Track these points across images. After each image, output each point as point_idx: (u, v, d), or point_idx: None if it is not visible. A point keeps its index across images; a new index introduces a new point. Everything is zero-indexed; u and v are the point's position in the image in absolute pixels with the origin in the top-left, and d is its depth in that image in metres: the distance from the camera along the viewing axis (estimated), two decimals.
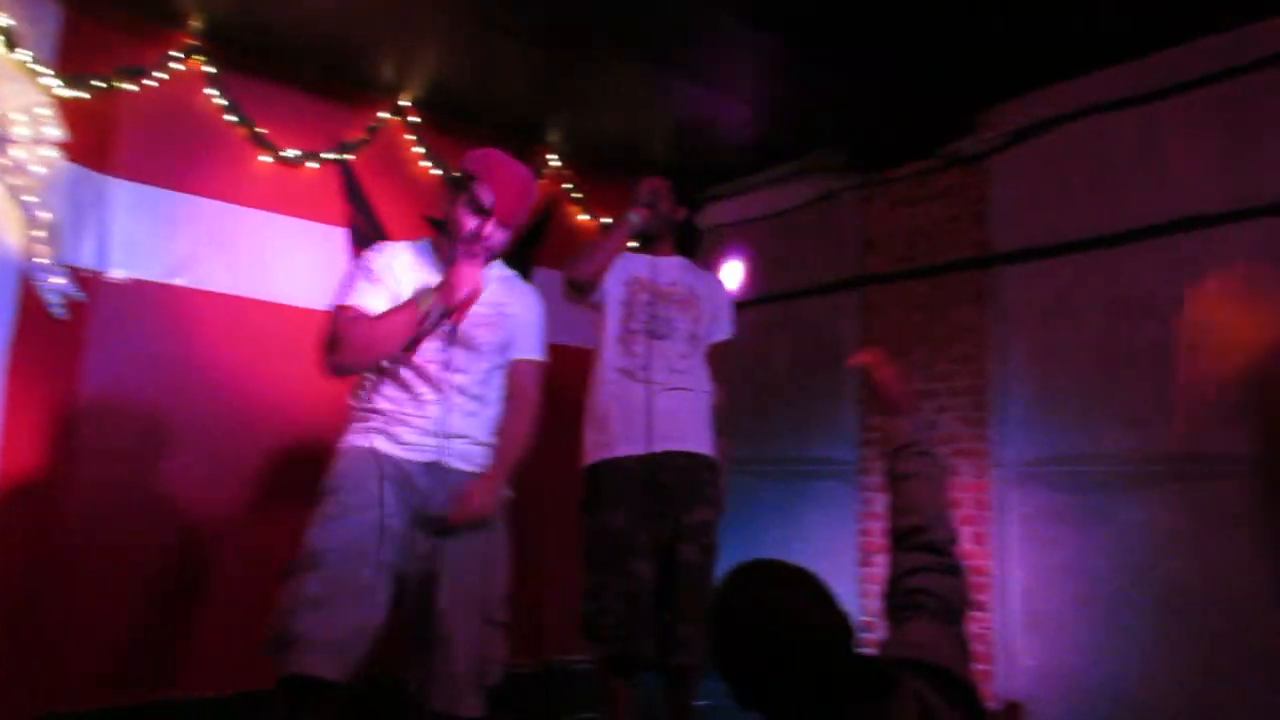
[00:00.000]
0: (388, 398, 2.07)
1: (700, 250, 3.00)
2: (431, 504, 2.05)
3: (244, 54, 3.68)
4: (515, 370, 2.26)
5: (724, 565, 2.69)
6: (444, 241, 2.17)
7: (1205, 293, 3.21)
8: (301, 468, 3.57)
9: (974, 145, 3.96)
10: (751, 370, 2.88)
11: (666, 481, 2.65)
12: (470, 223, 2.06)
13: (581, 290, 2.76)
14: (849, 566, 4.13)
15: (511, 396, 2.26)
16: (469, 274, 2.04)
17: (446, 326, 2.07)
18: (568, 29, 3.40)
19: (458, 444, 2.09)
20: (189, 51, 3.56)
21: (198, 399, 3.53)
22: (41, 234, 3.13)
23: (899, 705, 1.10)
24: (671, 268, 2.85)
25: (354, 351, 2.02)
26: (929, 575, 1.34)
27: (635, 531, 2.61)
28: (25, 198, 3.09)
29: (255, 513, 3.59)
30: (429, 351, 2.07)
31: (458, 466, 2.10)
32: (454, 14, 3.41)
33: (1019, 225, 3.80)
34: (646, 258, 2.82)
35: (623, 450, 2.66)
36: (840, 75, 3.66)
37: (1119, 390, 3.40)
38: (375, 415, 2.07)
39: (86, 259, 3.33)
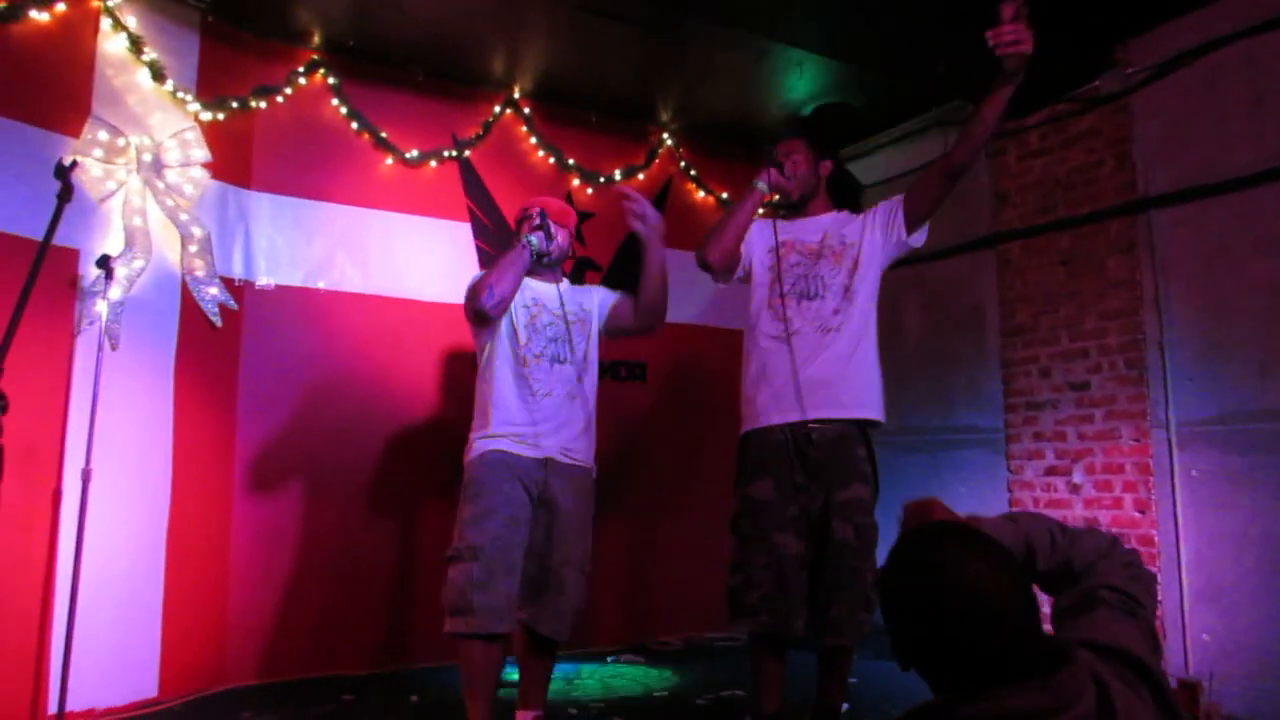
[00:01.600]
0: (505, 405, 2.65)
1: (861, 199, 2.81)
2: (547, 492, 2.65)
3: (361, 63, 3.83)
4: (619, 305, 2.90)
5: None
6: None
7: None
8: (437, 452, 3.74)
9: (1113, 82, 3.67)
10: (883, 337, 2.74)
11: (814, 456, 2.53)
12: (531, 230, 2.76)
13: (715, 271, 2.71)
14: None
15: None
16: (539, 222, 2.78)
17: (546, 245, 2.71)
18: (668, 7, 3.37)
19: (564, 452, 2.70)
20: (311, 66, 3.74)
21: (341, 394, 3.72)
22: (196, 249, 3.37)
23: (1071, 682, 0.99)
24: (821, 224, 2.71)
25: (483, 287, 2.59)
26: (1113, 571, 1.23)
27: (782, 503, 2.52)
28: (181, 216, 3.33)
29: (400, 497, 3.78)
30: (535, 346, 2.68)
31: (565, 461, 2.70)
32: (554, 3, 3.44)
33: (1171, 166, 3.50)
34: (792, 221, 2.72)
35: (770, 419, 2.58)
36: (950, 16, 3.44)
37: None
38: (495, 423, 2.64)
39: (236, 269, 3.56)
